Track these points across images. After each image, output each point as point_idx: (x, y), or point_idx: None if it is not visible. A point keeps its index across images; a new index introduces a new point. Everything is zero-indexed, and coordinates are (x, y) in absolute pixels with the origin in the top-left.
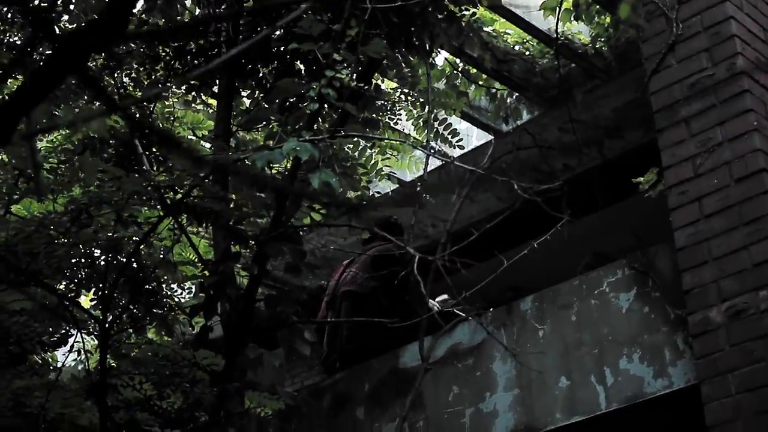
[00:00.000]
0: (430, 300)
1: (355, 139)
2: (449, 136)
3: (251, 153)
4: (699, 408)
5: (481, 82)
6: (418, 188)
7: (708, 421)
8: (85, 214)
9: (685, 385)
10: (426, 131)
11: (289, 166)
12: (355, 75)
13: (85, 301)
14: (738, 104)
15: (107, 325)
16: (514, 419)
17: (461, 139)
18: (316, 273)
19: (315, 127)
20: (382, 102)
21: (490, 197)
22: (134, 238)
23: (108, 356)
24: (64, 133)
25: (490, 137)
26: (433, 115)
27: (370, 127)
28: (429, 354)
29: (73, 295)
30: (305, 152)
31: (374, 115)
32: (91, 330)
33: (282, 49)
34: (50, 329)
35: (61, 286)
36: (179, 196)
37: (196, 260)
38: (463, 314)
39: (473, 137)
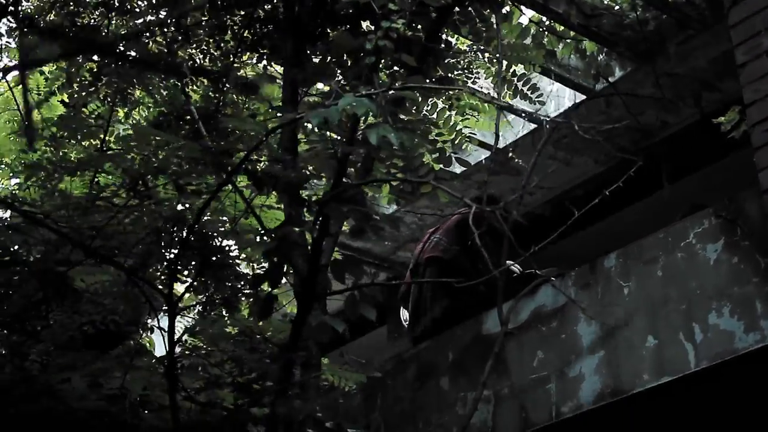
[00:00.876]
0: (509, 262)
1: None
2: (529, 92)
3: (307, 112)
4: None
5: (569, 40)
6: (510, 154)
7: None
8: (141, 184)
9: None
10: (505, 88)
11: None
12: (420, 27)
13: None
14: None
15: (174, 300)
16: (600, 383)
17: (541, 94)
18: (383, 235)
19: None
20: (456, 60)
21: (587, 160)
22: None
23: (186, 335)
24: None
25: (583, 97)
26: (511, 71)
27: (444, 83)
28: (509, 318)
29: (140, 271)
30: (361, 107)
31: (449, 74)
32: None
33: (350, 10)
34: (121, 308)
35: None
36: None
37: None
38: (544, 275)
39: (565, 98)
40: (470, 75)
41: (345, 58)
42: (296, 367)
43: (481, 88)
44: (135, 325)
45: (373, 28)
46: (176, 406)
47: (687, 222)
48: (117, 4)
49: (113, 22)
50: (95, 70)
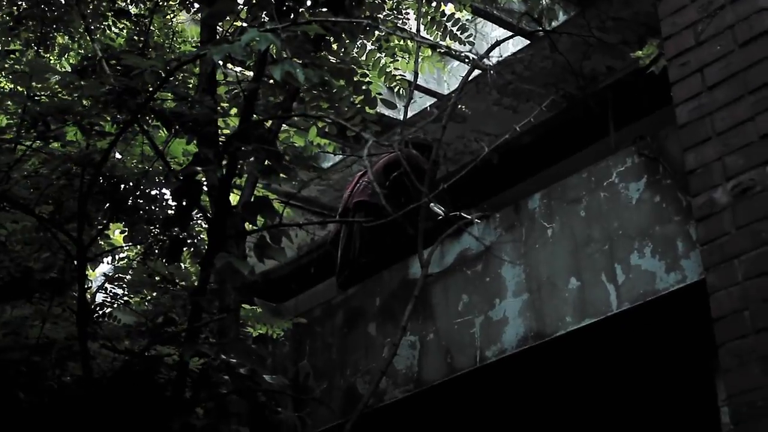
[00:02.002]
0: (433, 204)
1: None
2: (458, 32)
3: (210, 47)
4: None
5: None
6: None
7: (714, 312)
8: (41, 123)
9: (698, 278)
10: (436, 29)
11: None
12: None
13: (117, 235)
14: None
15: (84, 245)
16: (524, 326)
17: (471, 35)
18: (294, 175)
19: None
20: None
21: (534, 107)
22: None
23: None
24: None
25: (526, 42)
26: (439, 11)
27: (370, 27)
28: (431, 261)
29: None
30: (264, 42)
31: (375, 14)
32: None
33: None
34: (34, 255)
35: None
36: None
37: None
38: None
39: (509, 43)
40: (399, 16)
41: None
42: (211, 313)
43: (410, 29)
44: (50, 272)
45: None
46: (88, 354)
47: (610, 161)
48: None
49: None
50: (16, 12)
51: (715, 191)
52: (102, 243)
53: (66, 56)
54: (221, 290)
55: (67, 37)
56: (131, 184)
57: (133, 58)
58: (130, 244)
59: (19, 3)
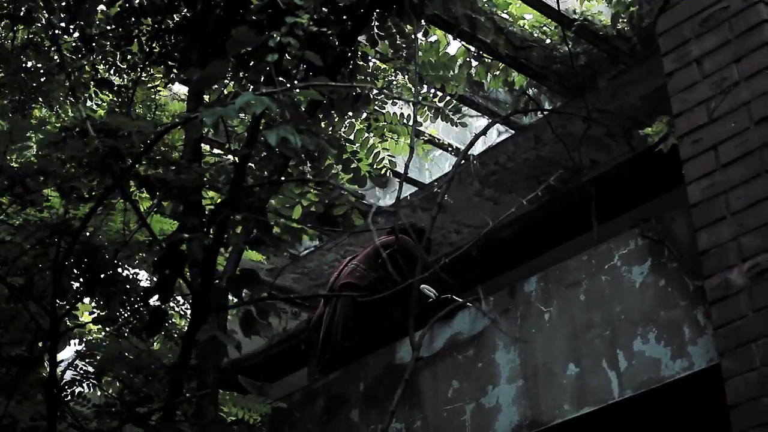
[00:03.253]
0: (424, 286)
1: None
2: (450, 113)
3: (202, 111)
4: (723, 390)
5: (497, 72)
6: (436, 189)
7: (729, 399)
8: (19, 185)
9: (707, 365)
10: (426, 110)
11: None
12: (333, 34)
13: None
14: (755, 37)
15: (57, 317)
16: (518, 414)
17: (463, 116)
18: (283, 247)
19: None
20: (374, 76)
21: (515, 198)
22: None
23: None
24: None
25: (511, 132)
26: (432, 92)
27: (361, 104)
28: (422, 344)
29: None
30: (260, 105)
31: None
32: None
33: (261, 16)
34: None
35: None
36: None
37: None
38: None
39: (493, 132)
40: (389, 95)
41: (247, 58)
42: (188, 392)
43: (401, 109)
44: (18, 347)
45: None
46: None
47: (611, 243)
48: (22, 15)
49: (18, 33)
50: None
51: (731, 272)
52: (70, 322)
53: (43, 128)
54: (201, 368)
55: (44, 109)
56: (107, 255)
57: (119, 118)
58: (104, 320)
59: None
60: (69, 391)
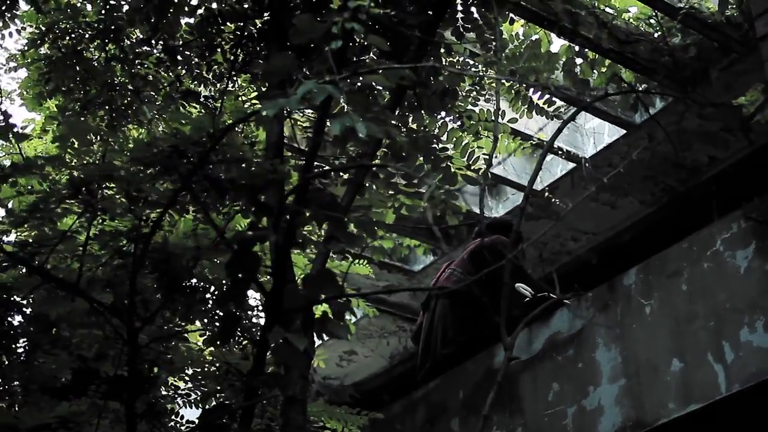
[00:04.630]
0: (519, 285)
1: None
2: (545, 106)
3: (264, 103)
4: None
5: (604, 69)
6: (547, 194)
7: None
8: (84, 190)
9: None
10: (519, 104)
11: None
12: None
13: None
14: None
15: (135, 329)
16: (621, 415)
17: (559, 108)
18: (360, 242)
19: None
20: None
21: (633, 201)
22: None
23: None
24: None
25: (622, 131)
26: (524, 85)
27: (449, 99)
28: (521, 346)
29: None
30: (322, 93)
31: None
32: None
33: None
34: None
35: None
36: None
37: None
38: (556, 297)
39: (605, 134)
40: (481, 91)
41: (312, 48)
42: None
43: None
44: (103, 361)
45: None
46: None
47: (713, 228)
48: (113, 34)
49: (108, 49)
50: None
51: None
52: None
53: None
54: (286, 377)
55: (137, 127)
56: (188, 261)
57: (179, 116)
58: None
59: (88, 88)
60: (163, 407)
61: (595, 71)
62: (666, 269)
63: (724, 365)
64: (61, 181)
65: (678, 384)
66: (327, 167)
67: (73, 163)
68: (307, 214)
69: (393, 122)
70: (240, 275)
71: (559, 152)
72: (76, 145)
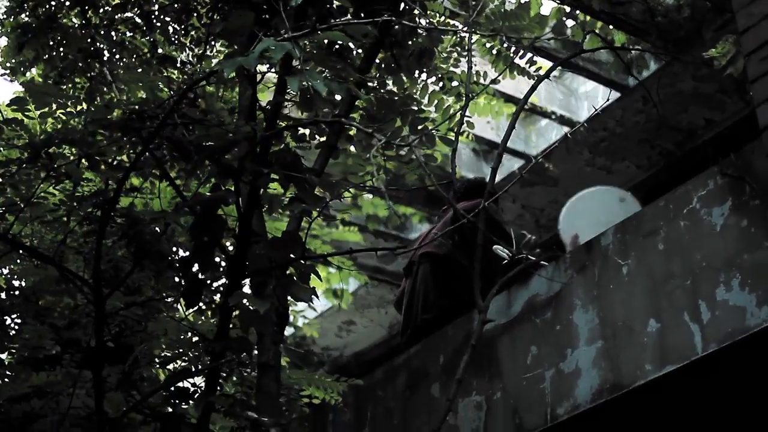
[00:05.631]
0: (497, 246)
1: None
2: (527, 66)
3: (222, 61)
4: None
5: (596, 30)
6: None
7: None
8: (44, 155)
9: None
10: (501, 63)
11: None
12: None
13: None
14: None
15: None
16: (598, 377)
17: (540, 68)
18: (323, 204)
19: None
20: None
21: (629, 166)
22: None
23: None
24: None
25: (617, 94)
26: (506, 44)
27: (425, 58)
28: (500, 309)
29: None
30: (280, 51)
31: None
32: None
33: None
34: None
35: None
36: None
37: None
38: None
39: (598, 98)
40: (462, 52)
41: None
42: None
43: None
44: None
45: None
46: (102, 409)
47: (689, 185)
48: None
49: (86, 15)
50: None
51: None
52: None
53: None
54: (258, 343)
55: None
56: (156, 228)
57: (134, 75)
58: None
59: (64, 55)
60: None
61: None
62: (643, 228)
63: (701, 325)
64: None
65: (654, 345)
66: (290, 125)
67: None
68: (270, 175)
69: (368, 83)
70: (204, 238)
71: (553, 116)
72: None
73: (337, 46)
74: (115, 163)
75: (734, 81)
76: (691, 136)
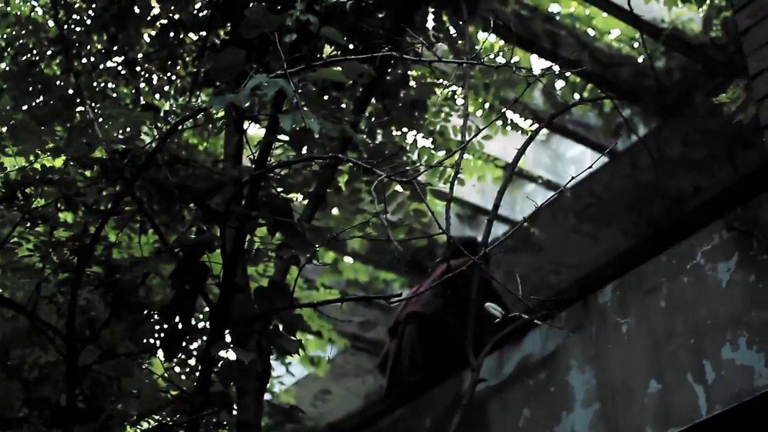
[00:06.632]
0: (489, 304)
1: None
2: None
3: (212, 98)
4: None
5: (586, 94)
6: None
7: None
8: (20, 194)
9: None
10: (491, 120)
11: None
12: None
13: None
14: None
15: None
16: None
17: (532, 123)
18: (311, 250)
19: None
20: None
21: (616, 233)
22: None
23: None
24: None
25: (605, 159)
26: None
27: (416, 110)
28: (491, 370)
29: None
30: (272, 87)
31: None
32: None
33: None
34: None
35: None
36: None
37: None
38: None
39: (585, 161)
40: (454, 106)
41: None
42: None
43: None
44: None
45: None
46: None
47: (693, 240)
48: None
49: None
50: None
51: None
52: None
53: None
54: (239, 401)
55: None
56: (136, 277)
57: (117, 110)
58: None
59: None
60: None
61: (576, 95)
62: (643, 285)
63: (705, 385)
64: None
65: (656, 407)
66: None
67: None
68: (259, 220)
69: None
70: (186, 286)
71: (539, 180)
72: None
73: (330, 93)
74: (94, 207)
75: (724, 147)
76: (679, 203)
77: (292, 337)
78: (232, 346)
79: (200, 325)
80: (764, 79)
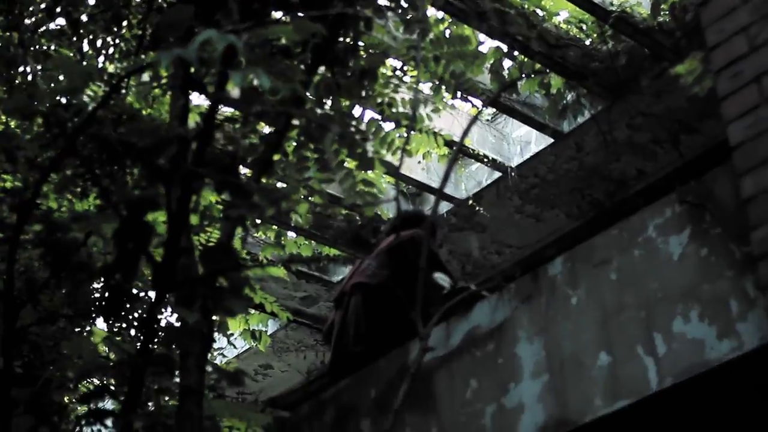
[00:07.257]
0: (437, 275)
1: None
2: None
3: (159, 53)
4: None
5: (533, 75)
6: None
7: None
8: None
9: (759, 344)
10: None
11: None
12: None
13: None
14: None
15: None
16: (543, 413)
17: (483, 93)
18: (261, 213)
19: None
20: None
21: (558, 214)
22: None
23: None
24: None
25: (550, 140)
26: (449, 71)
27: (366, 80)
28: (438, 341)
29: None
30: (222, 42)
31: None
32: None
33: None
34: None
35: None
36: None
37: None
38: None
39: (532, 142)
40: (403, 78)
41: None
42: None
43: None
44: None
45: None
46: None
47: (645, 213)
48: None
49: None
50: None
51: None
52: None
53: None
54: (182, 365)
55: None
56: (78, 236)
57: (63, 61)
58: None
59: None
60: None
61: (524, 76)
62: (593, 258)
63: (656, 358)
64: None
65: (605, 379)
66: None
67: None
68: (205, 180)
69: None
70: (129, 245)
71: (485, 160)
72: None
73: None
74: (37, 161)
75: (667, 131)
76: (622, 186)
77: (239, 298)
78: (176, 306)
79: (142, 295)
80: (722, 51)
